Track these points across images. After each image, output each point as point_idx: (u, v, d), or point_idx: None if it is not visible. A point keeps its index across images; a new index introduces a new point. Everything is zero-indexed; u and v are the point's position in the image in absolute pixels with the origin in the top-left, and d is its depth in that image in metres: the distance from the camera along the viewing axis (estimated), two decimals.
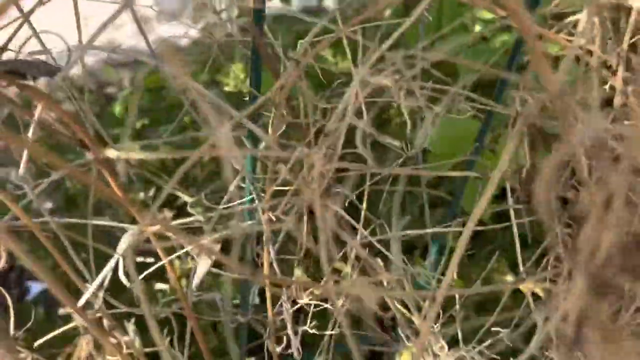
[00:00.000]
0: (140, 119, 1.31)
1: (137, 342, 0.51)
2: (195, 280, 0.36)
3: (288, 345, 0.45)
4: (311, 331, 0.40)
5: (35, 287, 1.14)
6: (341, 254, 0.49)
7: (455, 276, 0.60)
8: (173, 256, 0.37)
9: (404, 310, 0.43)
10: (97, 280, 0.32)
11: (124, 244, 0.31)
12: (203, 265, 0.34)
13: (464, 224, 0.27)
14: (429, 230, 0.44)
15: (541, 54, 0.21)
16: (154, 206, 0.25)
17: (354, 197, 0.47)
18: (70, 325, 0.40)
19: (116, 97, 1.53)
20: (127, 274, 0.33)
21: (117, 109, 1.34)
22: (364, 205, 0.47)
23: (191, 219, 0.40)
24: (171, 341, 0.38)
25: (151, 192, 1.00)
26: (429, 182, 0.86)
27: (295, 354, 0.39)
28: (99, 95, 1.74)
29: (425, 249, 0.85)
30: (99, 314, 0.36)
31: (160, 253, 0.34)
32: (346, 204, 0.47)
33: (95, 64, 1.79)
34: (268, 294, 0.39)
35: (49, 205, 1.13)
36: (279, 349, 0.46)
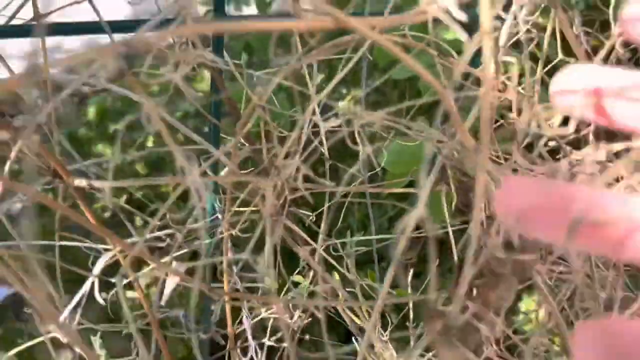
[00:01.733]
0: (114, 123, 1.32)
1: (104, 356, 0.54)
2: (163, 297, 0.39)
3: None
4: (271, 343, 0.44)
5: (2, 292, 1.15)
6: (300, 267, 0.52)
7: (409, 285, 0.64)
8: (140, 273, 0.40)
9: (358, 320, 0.47)
10: (73, 301, 0.35)
11: (98, 267, 0.34)
12: (170, 283, 0.38)
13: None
14: (372, 237, 0.48)
15: (457, 115, 0.25)
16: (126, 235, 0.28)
17: (313, 216, 0.51)
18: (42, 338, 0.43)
19: (89, 96, 1.52)
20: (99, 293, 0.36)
21: (91, 110, 1.35)
22: (323, 222, 0.51)
23: (161, 234, 0.43)
24: (137, 353, 0.41)
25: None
26: (397, 196, 0.90)
27: None
28: (73, 93, 1.73)
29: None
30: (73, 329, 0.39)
31: (130, 273, 0.38)
32: (309, 221, 0.51)
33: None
34: (227, 309, 0.42)
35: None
36: None
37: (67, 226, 0.50)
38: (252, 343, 0.41)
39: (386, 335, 0.44)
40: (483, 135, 0.22)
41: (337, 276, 0.51)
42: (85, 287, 0.35)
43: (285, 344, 0.43)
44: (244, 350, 0.48)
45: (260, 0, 1.44)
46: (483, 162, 0.22)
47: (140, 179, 0.39)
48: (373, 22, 0.21)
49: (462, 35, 0.21)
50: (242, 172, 0.40)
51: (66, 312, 0.34)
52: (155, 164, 1.26)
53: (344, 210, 0.65)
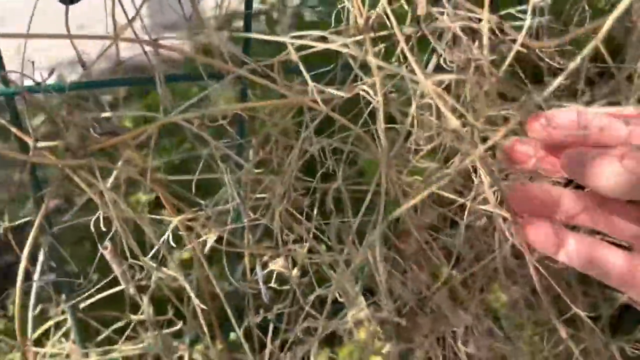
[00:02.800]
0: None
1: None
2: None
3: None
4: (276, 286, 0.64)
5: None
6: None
7: None
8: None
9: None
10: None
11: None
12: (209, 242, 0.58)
13: None
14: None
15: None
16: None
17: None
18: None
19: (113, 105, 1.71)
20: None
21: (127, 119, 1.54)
22: (316, 207, 0.71)
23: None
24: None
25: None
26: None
27: (265, 299, 0.63)
28: (97, 104, 1.92)
29: None
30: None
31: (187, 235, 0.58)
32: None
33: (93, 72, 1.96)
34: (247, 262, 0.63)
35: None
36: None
37: None
38: (262, 286, 0.62)
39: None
40: None
41: (323, 246, 0.71)
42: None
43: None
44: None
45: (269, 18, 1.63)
46: None
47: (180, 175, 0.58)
48: None
49: None
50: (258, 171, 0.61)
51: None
52: (177, 169, 1.45)
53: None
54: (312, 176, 0.66)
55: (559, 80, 0.34)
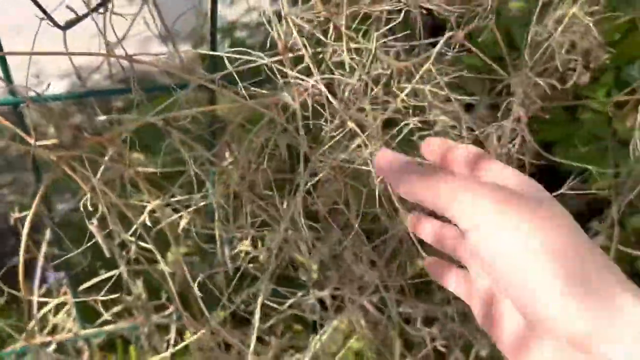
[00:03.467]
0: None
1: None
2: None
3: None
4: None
5: (51, 276, 1.47)
6: None
7: None
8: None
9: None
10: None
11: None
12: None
13: None
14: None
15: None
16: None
17: None
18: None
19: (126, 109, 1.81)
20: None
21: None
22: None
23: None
24: None
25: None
26: None
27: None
28: (107, 109, 2.03)
29: None
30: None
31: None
32: None
33: (102, 79, 2.07)
34: None
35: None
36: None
37: None
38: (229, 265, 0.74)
39: None
40: None
41: None
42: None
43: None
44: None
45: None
46: None
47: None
48: None
49: None
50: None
51: None
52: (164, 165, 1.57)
53: None
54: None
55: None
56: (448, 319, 0.87)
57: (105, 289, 0.78)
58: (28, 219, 0.61)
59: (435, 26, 0.68)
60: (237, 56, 0.56)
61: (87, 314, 0.97)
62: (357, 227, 0.64)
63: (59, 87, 2.24)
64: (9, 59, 0.63)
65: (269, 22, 0.59)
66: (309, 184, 0.58)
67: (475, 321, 0.45)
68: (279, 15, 0.60)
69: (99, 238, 0.60)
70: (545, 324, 0.35)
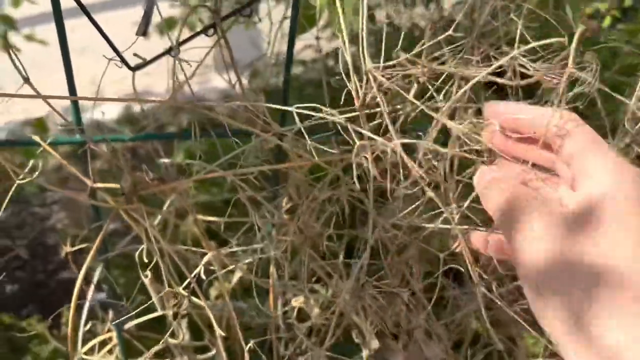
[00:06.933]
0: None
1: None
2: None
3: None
4: None
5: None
6: None
7: None
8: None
9: None
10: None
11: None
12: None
13: None
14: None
15: None
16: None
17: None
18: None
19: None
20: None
21: (180, 156, 1.62)
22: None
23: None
24: None
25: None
26: None
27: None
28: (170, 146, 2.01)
29: None
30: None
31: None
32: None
33: (154, 106, 2.07)
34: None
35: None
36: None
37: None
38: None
39: None
40: None
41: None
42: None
43: None
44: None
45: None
46: None
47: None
48: None
49: None
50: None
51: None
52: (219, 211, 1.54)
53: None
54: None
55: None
56: None
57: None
58: (84, 267, 0.59)
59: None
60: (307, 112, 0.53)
61: (128, 349, 0.94)
62: (428, 307, 0.59)
63: (117, 109, 2.27)
64: None
65: (347, 74, 0.55)
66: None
67: None
68: (355, 67, 0.56)
69: (152, 294, 0.57)
70: None
